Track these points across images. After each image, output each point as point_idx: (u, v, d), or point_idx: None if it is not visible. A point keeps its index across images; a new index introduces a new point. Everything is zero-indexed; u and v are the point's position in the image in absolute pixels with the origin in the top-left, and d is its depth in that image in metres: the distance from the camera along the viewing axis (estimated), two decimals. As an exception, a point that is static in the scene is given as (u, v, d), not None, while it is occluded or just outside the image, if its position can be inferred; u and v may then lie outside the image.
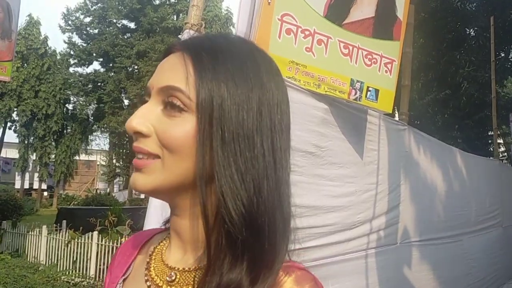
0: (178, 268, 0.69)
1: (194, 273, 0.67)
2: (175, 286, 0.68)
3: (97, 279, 7.61)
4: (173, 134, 0.65)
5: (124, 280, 0.77)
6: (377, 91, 2.57)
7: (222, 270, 0.61)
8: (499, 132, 8.05)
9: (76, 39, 27.83)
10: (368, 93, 2.53)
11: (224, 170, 0.62)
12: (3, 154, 26.58)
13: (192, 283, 0.66)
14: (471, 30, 10.21)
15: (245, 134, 0.63)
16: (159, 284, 0.69)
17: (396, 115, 3.80)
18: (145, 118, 0.67)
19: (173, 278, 0.68)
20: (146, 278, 0.71)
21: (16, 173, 27.41)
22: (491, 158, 6.14)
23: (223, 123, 0.63)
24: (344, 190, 2.56)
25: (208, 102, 0.64)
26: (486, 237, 4.65)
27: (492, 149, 8.90)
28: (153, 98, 0.68)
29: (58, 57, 26.70)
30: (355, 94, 2.48)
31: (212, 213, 0.64)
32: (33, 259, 8.76)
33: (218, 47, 0.68)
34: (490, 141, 10.26)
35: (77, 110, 26.78)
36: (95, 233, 8.25)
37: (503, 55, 9.93)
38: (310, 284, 0.64)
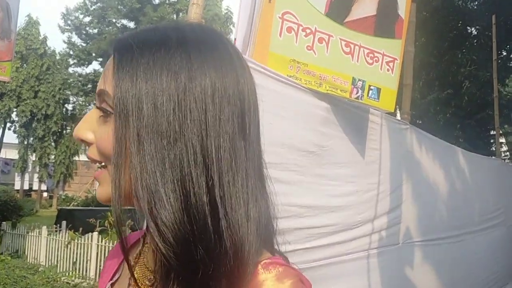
0: (157, 271, 0.65)
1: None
2: None
3: (97, 280, 7.58)
4: (104, 141, 0.62)
5: (112, 284, 0.75)
6: (379, 89, 2.54)
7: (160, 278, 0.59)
8: (501, 131, 8.03)
9: (75, 39, 27.84)
10: (370, 92, 2.50)
11: (140, 173, 0.56)
12: (2, 155, 26.57)
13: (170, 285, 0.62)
14: (473, 29, 10.18)
15: (164, 132, 0.57)
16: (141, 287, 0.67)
17: (398, 114, 3.78)
18: (87, 125, 0.65)
19: (153, 281, 0.66)
20: (129, 282, 0.70)
21: (16, 174, 27.38)
22: (493, 157, 6.11)
23: (139, 123, 0.57)
24: (345, 189, 2.54)
25: (122, 101, 0.58)
26: (489, 236, 4.62)
27: (494, 149, 8.88)
28: (96, 104, 0.66)
29: (58, 57, 26.64)
30: (357, 93, 2.46)
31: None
32: (33, 260, 8.74)
33: (142, 41, 0.61)
34: (492, 141, 10.23)
35: (77, 111, 26.75)
36: (95, 234, 8.23)
37: (505, 54, 9.91)
38: (293, 280, 0.58)
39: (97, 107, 0.63)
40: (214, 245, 0.56)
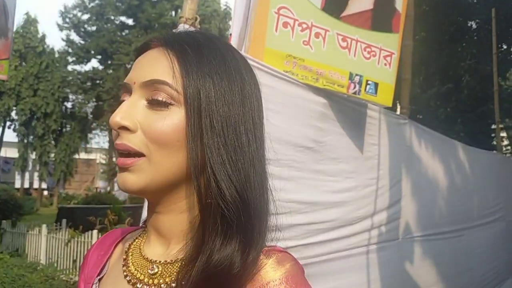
0: (160, 261, 0.69)
1: (176, 264, 0.67)
2: (157, 278, 0.67)
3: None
4: (160, 128, 0.64)
5: (100, 279, 0.75)
6: (376, 84, 2.52)
7: (213, 250, 0.63)
8: (502, 126, 8.01)
9: (74, 36, 27.77)
10: (368, 86, 2.49)
11: (216, 157, 0.64)
12: (2, 154, 26.56)
13: (174, 273, 0.66)
14: (473, 23, 10.15)
15: (232, 124, 0.66)
16: (140, 278, 0.69)
17: (398, 109, 3.76)
18: (130, 113, 0.66)
19: (155, 270, 0.68)
20: (125, 274, 0.70)
21: (16, 172, 27.41)
22: (494, 151, 6.09)
23: (211, 114, 0.65)
24: (344, 185, 2.53)
25: (196, 94, 0.65)
26: (489, 231, 4.61)
27: (495, 143, 8.86)
28: (135, 93, 0.67)
29: (56, 55, 26.58)
30: (354, 87, 2.44)
31: (196, 201, 0.67)
32: (33, 258, 8.74)
33: (200, 42, 0.69)
34: (493, 135, 10.22)
35: (76, 108, 26.74)
36: (95, 231, 8.23)
37: (505, 47, 9.87)
38: (291, 263, 0.67)
39: (150, 97, 0.66)
40: (258, 221, 0.67)
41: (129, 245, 0.75)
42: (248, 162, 0.67)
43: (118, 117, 0.65)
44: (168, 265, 0.68)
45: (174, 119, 0.65)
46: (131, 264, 0.71)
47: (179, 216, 0.68)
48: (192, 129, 0.64)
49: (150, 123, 0.65)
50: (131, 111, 0.66)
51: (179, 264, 0.66)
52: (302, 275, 0.67)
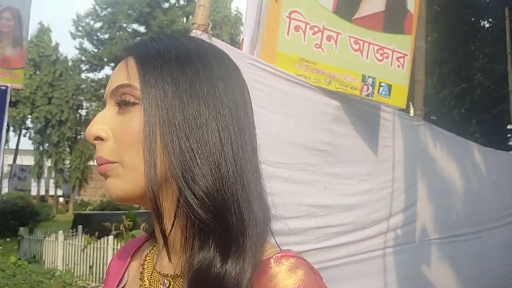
0: (171, 275, 0.68)
1: (185, 277, 0.64)
2: None
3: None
4: (126, 130, 0.64)
5: None
6: (389, 86, 2.51)
7: (193, 252, 0.61)
8: (517, 125, 7.90)
9: (87, 44, 28.07)
10: (381, 88, 2.47)
11: (173, 151, 0.61)
12: (18, 162, 26.93)
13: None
14: (486, 22, 10.04)
15: (193, 114, 0.63)
16: None
17: (412, 111, 3.73)
18: (103, 123, 0.66)
19: (167, 285, 0.67)
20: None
21: (32, 179, 27.68)
22: (511, 152, 6.01)
23: (167, 106, 0.63)
24: (359, 188, 2.51)
25: (151, 88, 0.64)
26: (508, 233, 4.54)
27: (511, 143, 8.74)
28: (108, 104, 0.69)
29: (70, 63, 26.86)
30: (367, 90, 2.43)
31: (171, 206, 0.64)
32: (50, 264, 8.82)
33: (160, 42, 0.69)
34: (509, 135, 10.08)
35: (90, 116, 26.97)
36: (111, 237, 8.28)
37: (518, 46, 9.74)
38: (304, 270, 0.62)
39: (117, 101, 0.66)
40: (243, 212, 0.63)
41: (145, 257, 0.75)
42: (219, 151, 0.63)
43: (94, 128, 0.66)
44: (178, 278, 0.67)
45: (137, 119, 0.64)
46: (146, 278, 0.71)
47: (170, 222, 0.66)
48: (148, 125, 0.62)
49: (118, 128, 0.65)
50: (103, 120, 0.67)
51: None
52: (318, 281, 0.63)
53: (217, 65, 0.68)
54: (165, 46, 0.68)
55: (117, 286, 0.76)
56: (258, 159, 0.70)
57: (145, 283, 0.70)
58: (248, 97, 0.71)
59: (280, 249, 0.68)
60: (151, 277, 0.70)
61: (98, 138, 0.66)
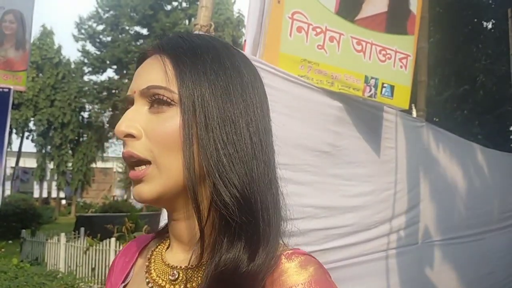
0: (181, 267, 0.69)
1: (197, 269, 0.67)
2: (179, 284, 0.67)
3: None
4: (162, 130, 0.65)
5: (124, 286, 0.76)
6: (392, 87, 2.50)
7: (221, 251, 0.62)
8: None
9: (89, 47, 28.11)
10: (383, 89, 2.47)
11: (211, 155, 0.63)
12: (21, 164, 26.98)
13: (196, 279, 0.66)
14: (488, 23, 10.04)
15: (229, 118, 0.65)
16: (162, 284, 0.69)
17: (414, 112, 3.72)
18: (134, 121, 0.67)
19: (176, 276, 0.68)
20: (147, 280, 0.70)
21: (35, 182, 27.76)
22: (513, 153, 5.97)
23: (205, 109, 0.64)
24: (361, 189, 2.51)
25: (189, 93, 0.65)
26: (510, 235, 4.53)
27: (514, 144, 8.72)
28: (137, 102, 0.68)
29: (72, 66, 26.92)
30: (370, 91, 2.42)
31: (206, 204, 0.65)
32: (52, 266, 8.82)
33: (193, 43, 0.69)
34: (511, 137, 10.06)
35: (93, 118, 27.03)
36: (113, 239, 8.28)
37: (520, 47, 9.72)
38: (314, 266, 0.64)
39: (150, 100, 0.67)
40: (271, 214, 0.65)
41: (152, 252, 0.75)
42: (251, 155, 0.65)
43: (123, 125, 0.66)
44: (189, 270, 0.67)
45: (173, 120, 0.65)
46: (153, 270, 0.71)
47: (191, 220, 0.68)
48: (186, 128, 0.64)
49: (152, 127, 0.66)
50: (134, 118, 0.67)
51: (199, 269, 0.66)
52: (328, 279, 0.65)
53: (244, 67, 0.70)
54: (198, 46, 0.69)
55: (123, 282, 0.76)
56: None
57: (152, 275, 0.71)
58: (266, 98, 0.74)
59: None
60: (158, 270, 0.71)
61: (129, 135, 0.66)
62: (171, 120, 0.65)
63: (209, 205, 0.65)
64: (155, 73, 0.67)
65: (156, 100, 0.66)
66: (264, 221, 0.64)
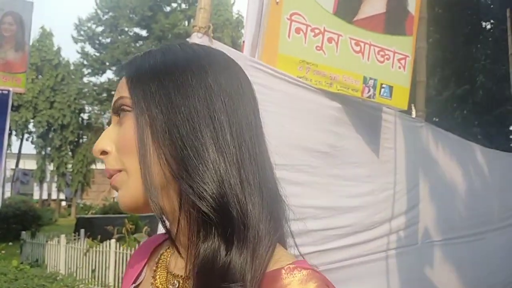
0: (181, 276, 0.68)
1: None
2: None
3: (115, 287, 7.62)
4: (122, 136, 0.66)
5: (135, 287, 0.76)
6: (391, 87, 2.51)
7: (198, 244, 0.61)
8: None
9: (88, 49, 28.09)
10: (382, 90, 2.47)
11: (165, 157, 0.62)
12: (21, 166, 26.94)
13: None
14: (487, 23, 10.04)
15: (185, 117, 0.63)
16: None
17: (413, 112, 3.73)
18: (106, 138, 0.69)
19: (176, 286, 0.68)
20: (151, 287, 0.71)
21: (35, 183, 27.74)
22: (512, 153, 5.97)
23: (157, 109, 0.64)
24: (361, 190, 2.51)
25: (140, 96, 0.65)
26: (510, 234, 4.53)
27: (514, 145, 8.72)
28: (112, 120, 0.71)
29: (72, 67, 26.91)
30: (369, 91, 2.42)
31: (175, 204, 0.64)
32: (52, 268, 8.81)
33: (147, 54, 0.71)
34: (511, 136, 10.06)
35: (92, 120, 27.03)
36: (113, 241, 8.28)
37: (520, 47, 9.73)
38: (317, 283, 0.59)
39: (115, 113, 0.69)
40: (245, 206, 0.62)
41: (160, 256, 0.75)
42: (222, 158, 0.62)
43: (97, 145, 0.69)
44: (188, 280, 0.66)
45: (131, 125, 0.65)
46: (158, 277, 0.72)
47: (176, 225, 0.66)
48: (138, 131, 0.64)
49: (117, 137, 0.68)
50: (106, 135, 0.69)
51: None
52: None
53: (209, 66, 0.68)
54: (153, 57, 0.69)
55: (134, 282, 0.76)
56: (266, 156, 0.70)
57: (156, 282, 0.71)
58: (241, 88, 0.70)
59: (299, 259, 0.67)
60: (162, 277, 0.71)
61: (103, 152, 0.69)
62: (129, 125, 0.66)
63: (179, 207, 0.64)
64: (120, 88, 0.69)
65: (120, 111, 0.68)
66: (237, 211, 0.61)
